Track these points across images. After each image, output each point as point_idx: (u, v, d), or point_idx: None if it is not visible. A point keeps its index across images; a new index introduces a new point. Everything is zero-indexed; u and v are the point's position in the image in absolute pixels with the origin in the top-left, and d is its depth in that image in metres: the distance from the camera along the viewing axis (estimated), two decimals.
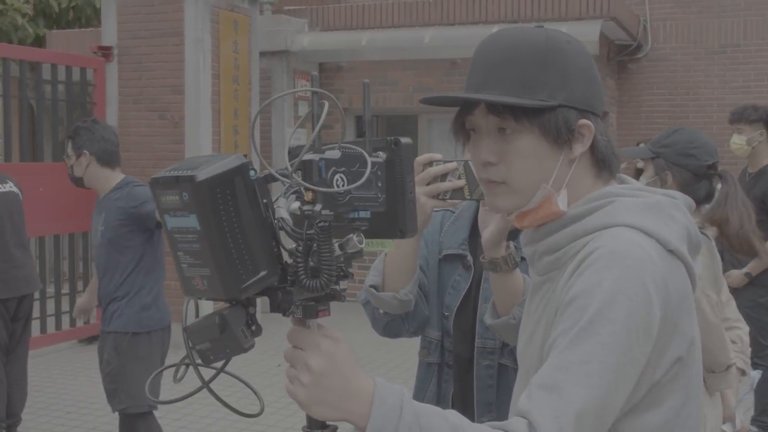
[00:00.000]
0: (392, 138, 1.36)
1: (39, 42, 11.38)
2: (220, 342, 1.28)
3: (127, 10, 8.40)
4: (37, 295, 6.15)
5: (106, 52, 8.46)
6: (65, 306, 8.13)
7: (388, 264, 2.15)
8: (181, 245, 1.25)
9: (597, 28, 9.65)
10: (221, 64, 8.43)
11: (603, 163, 1.56)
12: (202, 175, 1.20)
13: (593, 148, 1.54)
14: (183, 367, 1.40)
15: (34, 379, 5.57)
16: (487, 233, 2.00)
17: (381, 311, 2.21)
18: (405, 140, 1.36)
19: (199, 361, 1.34)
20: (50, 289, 8.36)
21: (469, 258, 2.30)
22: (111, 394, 4.46)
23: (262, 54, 9.43)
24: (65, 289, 8.45)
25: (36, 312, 6.05)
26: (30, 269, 5.31)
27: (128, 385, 4.34)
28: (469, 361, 2.28)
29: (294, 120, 10.21)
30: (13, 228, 5.15)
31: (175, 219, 1.24)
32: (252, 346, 1.28)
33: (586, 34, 9.09)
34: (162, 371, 1.48)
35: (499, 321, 2.06)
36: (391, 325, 2.26)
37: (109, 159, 4.46)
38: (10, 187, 5.24)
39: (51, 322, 8.11)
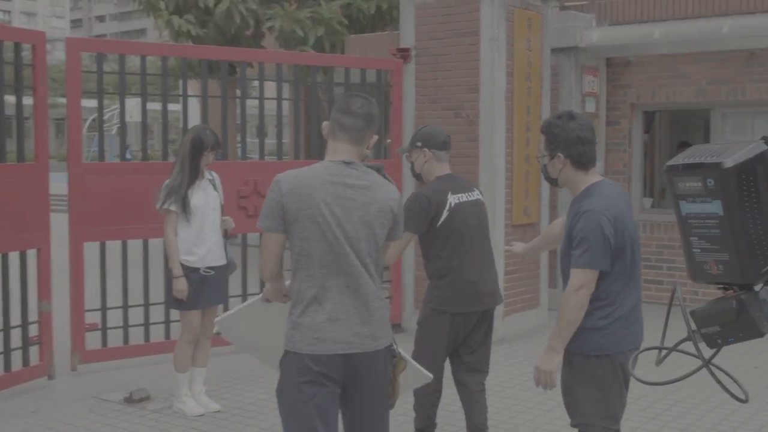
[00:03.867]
0: None
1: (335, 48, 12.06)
2: (734, 326, 1.28)
3: (424, 12, 8.67)
4: None
5: (404, 53, 8.78)
6: None
7: None
8: (696, 230, 1.27)
9: None
10: (515, 62, 8.50)
11: None
12: (729, 162, 1.21)
13: None
14: (664, 352, 1.43)
15: None
16: None
17: None
18: None
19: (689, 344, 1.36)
20: None
21: None
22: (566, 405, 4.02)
23: (551, 51, 9.39)
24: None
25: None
26: (494, 285, 5.06)
27: (575, 402, 3.88)
28: None
29: None
30: (481, 240, 5.01)
31: (692, 205, 1.26)
32: None
33: None
34: (642, 352, 1.52)
35: None
36: None
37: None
38: (477, 195, 5.06)
39: None
